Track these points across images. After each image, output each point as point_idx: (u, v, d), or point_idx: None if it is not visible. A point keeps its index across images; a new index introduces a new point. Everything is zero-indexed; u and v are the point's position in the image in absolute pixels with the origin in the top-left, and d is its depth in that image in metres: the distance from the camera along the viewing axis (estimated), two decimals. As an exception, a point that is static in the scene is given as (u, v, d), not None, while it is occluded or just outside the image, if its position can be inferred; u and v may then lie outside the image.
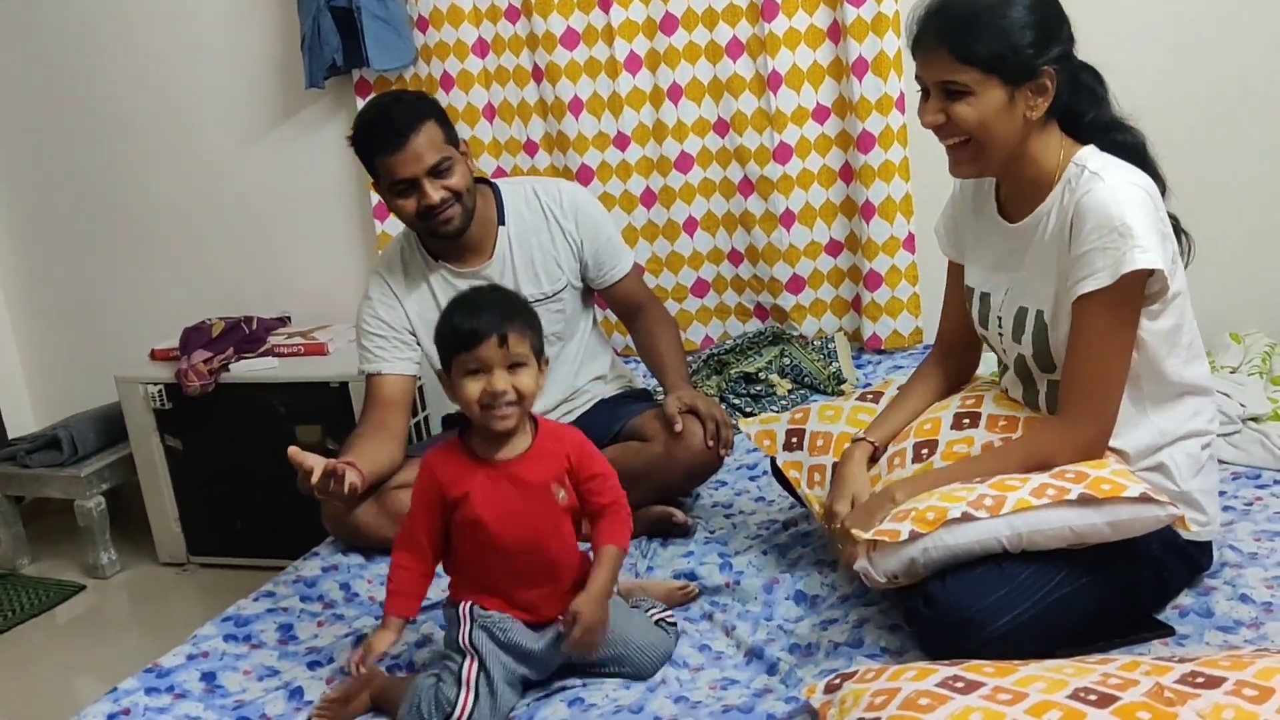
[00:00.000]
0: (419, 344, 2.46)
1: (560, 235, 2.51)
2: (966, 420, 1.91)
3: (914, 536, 1.68)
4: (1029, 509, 1.67)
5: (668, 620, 1.93)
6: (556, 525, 1.81)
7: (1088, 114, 1.80)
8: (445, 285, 2.47)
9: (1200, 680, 1.37)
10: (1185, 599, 1.84)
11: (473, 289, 1.93)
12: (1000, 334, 1.92)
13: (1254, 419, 2.44)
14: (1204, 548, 1.88)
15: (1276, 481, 2.27)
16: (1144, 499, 1.67)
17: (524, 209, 2.51)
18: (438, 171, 2.29)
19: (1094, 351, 1.72)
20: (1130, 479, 1.70)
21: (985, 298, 1.95)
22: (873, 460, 2.00)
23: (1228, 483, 2.28)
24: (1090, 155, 1.77)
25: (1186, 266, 1.84)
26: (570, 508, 1.82)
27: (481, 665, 1.75)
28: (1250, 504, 2.18)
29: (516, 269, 2.48)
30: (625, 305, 2.62)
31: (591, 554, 1.83)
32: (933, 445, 1.91)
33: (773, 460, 2.23)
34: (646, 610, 1.93)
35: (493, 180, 2.56)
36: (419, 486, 1.81)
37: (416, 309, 2.47)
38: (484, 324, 1.71)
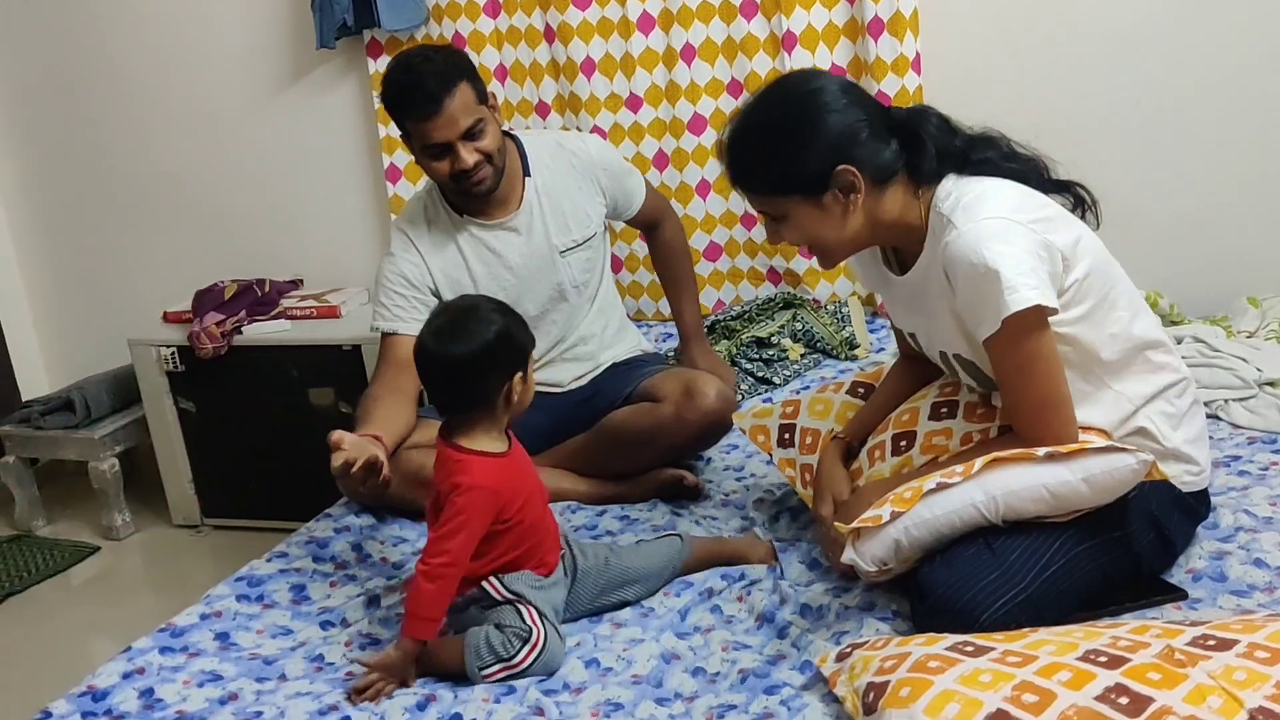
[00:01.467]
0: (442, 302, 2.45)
1: (591, 184, 2.53)
2: (944, 410, 1.91)
3: (894, 516, 1.68)
4: (998, 463, 1.66)
5: (669, 532, 2.06)
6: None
7: (925, 164, 1.76)
8: (472, 240, 2.46)
9: (1212, 643, 1.37)
10: (1199, 562, 1.83)
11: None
12: (943, 367, 1.93)
13: (1270, 383, 2.43)
14: (1201, 496, 1.88)
15: (1292, 446, 2.26)
16: (1110, 449, 1.66)
17: (549, 160, 2.51)
18: (471, 134, 2.28)
19: (1021, 385, 1.70)
20: (1095, 438, 1.70)
21: (914, 336, 1.95)
22: (850, 456, 2.01)
23: (1243, 447, 2.27)
24: (944, 195, 1.74)
25: (1098, 227, 1.82)
26: None
27: (535, 606, 1.80)
28: (1266, 469, 2.16)
29: (546, 218, 2.48)
30: (646, 223, 2.73)
31: None
32: (911, 437, 1.91)
33: None
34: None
35: (513, 133, 2.55)
36: (480, 516, 1.77)
37: (441, 265, 2.45)
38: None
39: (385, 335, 2.44)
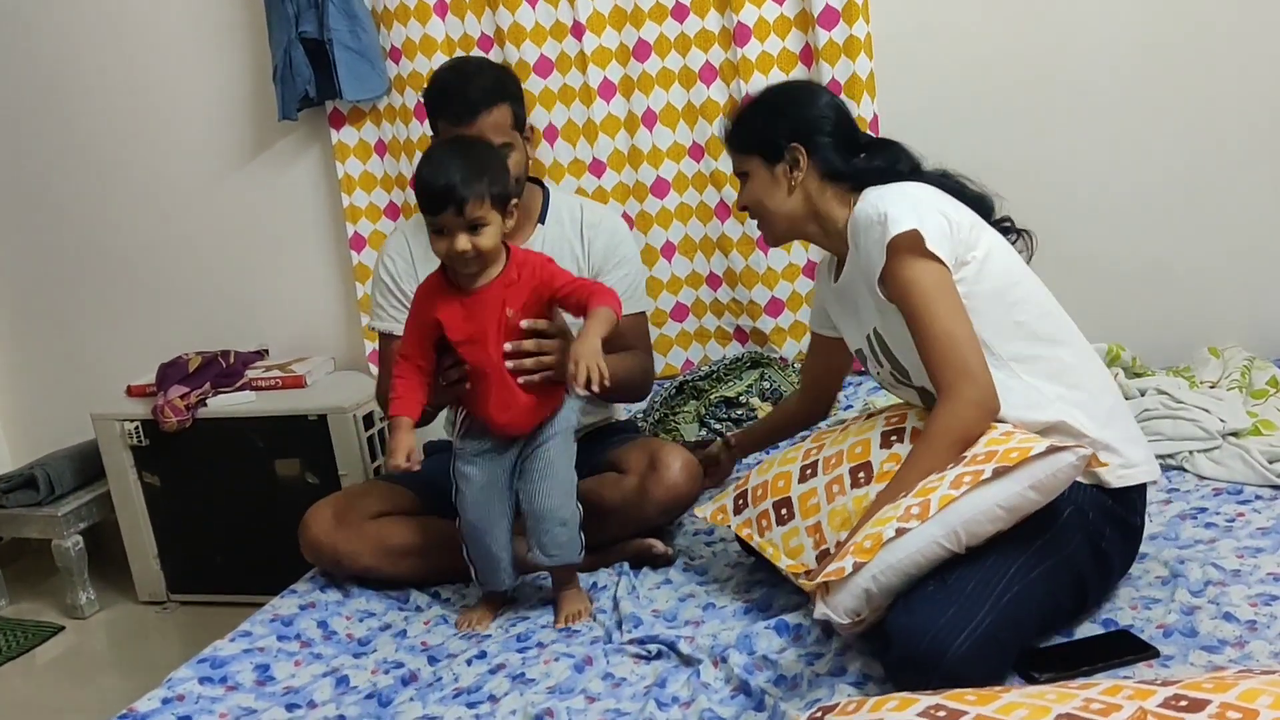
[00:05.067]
0: None
1: (584, 254, 2.48)
2: (894, 437, 1.95)
3: (857, 568, 1.69)
4: (952, 502, 1.69)
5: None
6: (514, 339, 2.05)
7: (872, 177, 2.00)
8: None
9: (1184, 703, 1.35)
10: (1169, 617, 1.83)
11: (441, 144, 2.09)
12: (877, 370, 2.07)
13: (1234, 434, 2.44)
14: (1131, 504, 1.91)
15: (1259, 497, 2.27)
16: (1051, 450, 1.71)
17: (565, 218, 2.49)
18: None
19: (922, 324, 1.83)
20: (1034, 440, 1.75)
21: (859, 352, 2.10)
22: (729, 447, 2.47)
23: (1209, 499, 2.28)
24: (867, 192, 1.96)
25: (1029, 261, 2.01)
26: (522, 329, 2.04)
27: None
28: (1233, 520, 2.17)
29: None
30: (613, 346, 2.51)
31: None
32: (868, 469, 1.93)
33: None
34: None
35: (546, 184, 2.55)
36: (414, 313, 2.09)
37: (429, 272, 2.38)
38: (442, 192, 1.94)
39: (384, 335, 2.44)
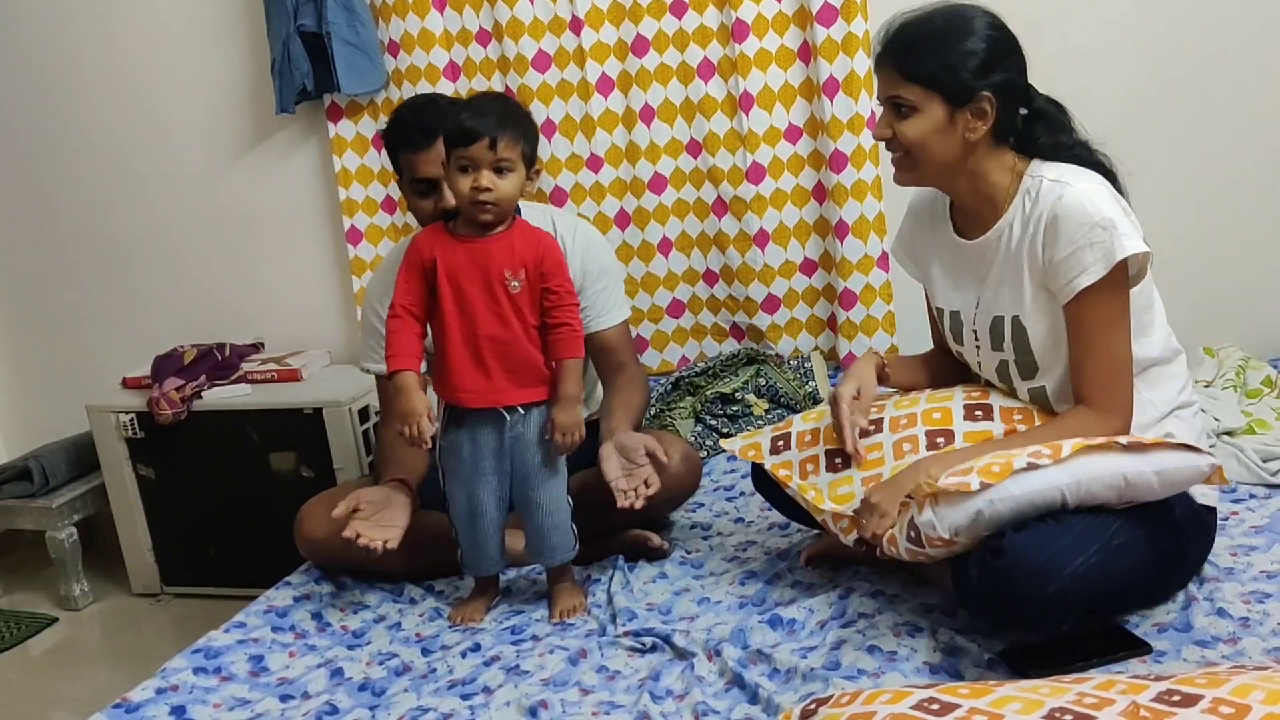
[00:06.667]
0: None
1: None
2: (979, 412, 1.94)
3: (983, 487, 1.70)
4: (1086, 451, 1.72)
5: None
6: (503, 307, 2.05)
7: (1041, 138, 1.91)
8: None
9: (1176, 698, 1.36)
10: (1164, 615, 1.84)
11: (481, 95, 2.16)
12: (978, 346, 1.97)
13: (1228, 433, 2.45)
14: (1212, 513, 1.94)
15: (1253, 495, 2.28)
16: (1185, 447, 1.76)
17: None
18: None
19: (1100, 344, 1.81)
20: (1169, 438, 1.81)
21: (955, 315, 2.01)
22: (880, 378, 2.12)
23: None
24: (1044, 167, 1.88)
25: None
26: (523, 300, 2.05)
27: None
28: (1226, 518, 2.17)
29: None
30: (603, 359, 2.46)
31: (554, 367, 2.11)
32: (949, 435, 1.92)
33: (754, 472, 2.22)
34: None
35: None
36: (408, 258, 2.08)
37: None
38: (480, 125, 1.97)
39: (377, 377, 2.44)
